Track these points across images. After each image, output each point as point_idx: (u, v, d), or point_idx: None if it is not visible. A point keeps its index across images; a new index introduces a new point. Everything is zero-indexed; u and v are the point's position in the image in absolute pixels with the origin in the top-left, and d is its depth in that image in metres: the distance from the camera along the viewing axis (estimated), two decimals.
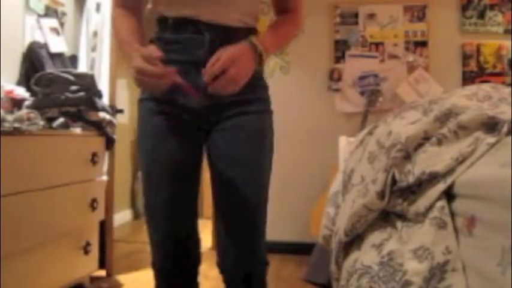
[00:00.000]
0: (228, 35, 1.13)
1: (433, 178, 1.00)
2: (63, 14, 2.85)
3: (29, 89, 2.35)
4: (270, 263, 1.24)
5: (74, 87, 2.34)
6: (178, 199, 1.18)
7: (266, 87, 1.25)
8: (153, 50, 1.02)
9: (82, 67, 2.82)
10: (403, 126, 1.21)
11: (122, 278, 2.66)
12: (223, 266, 1.23)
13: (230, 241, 1.19)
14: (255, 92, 1.19)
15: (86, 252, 2.31)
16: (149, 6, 1.23)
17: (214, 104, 1.14)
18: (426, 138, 1.09)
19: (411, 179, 1.05)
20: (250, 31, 1.19)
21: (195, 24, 1.13)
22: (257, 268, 1.21)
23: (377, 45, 3.26)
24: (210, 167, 1.23)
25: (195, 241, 1.24)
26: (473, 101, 1.33)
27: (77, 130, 2.28)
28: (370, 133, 1.43)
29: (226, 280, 1.25)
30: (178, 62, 1.10)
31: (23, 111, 2.02)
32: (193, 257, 1.23)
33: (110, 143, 2.53)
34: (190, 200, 1.21)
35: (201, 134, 1.20)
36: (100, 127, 2.41)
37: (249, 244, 1.19)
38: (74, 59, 2.84)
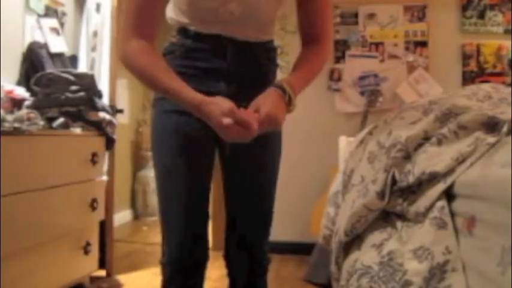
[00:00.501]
0: (248, 48, 1.19)
1: (433, 178, 1.00)
2: (63, 14, 2.85)
3: (29, 89, 2.35)
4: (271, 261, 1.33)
5: (74, 87, 2.34)
6: (195, 196, 1.22)
7: None
8: (228, 105, 1.00)
9: (82, 67, 2.82)
10: (403, 126, 1.21)
11: (122, 278, 2.66)
12: (232, 260, 1.30)
13: (242, 236, 1.27)
14: None
15: (86, 252, 2.31)
16: (170, 14, 1.23)
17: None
18: (426, 138, 1.09)
19: (411, 179, 1.05)
20: (268, 44, 1.26)
21: (217, 38, 1.17)
22: (264, 263, 1.30)
23: (377, 45, 3.26)
24: (223, 167, 1.28)
25: (206, 237, 1.27)
26: (473, 101, 1.33)
27: (77, 130, 2.28)
28: (370, 133, 1.43)
29: (233, 274, 1.31)
30: (200, 68, 1.16)
31: (23, 111, 2.03)
32: (203, 254, 1.25)
33: (110, 143, 2.53)
34: (205, 197, 1.24)
35: (214, 137, 1.21)
36: (100, 127, 2.41)
37: (260, 240, 1.29)
38: (74, 59, 2.84)
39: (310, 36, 1.25)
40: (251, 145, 1.20)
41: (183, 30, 1.20)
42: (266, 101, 1.06)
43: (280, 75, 1.29)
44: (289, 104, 1.10)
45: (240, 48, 1.19)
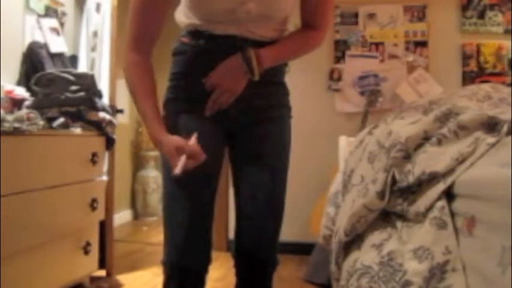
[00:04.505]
0: (262, 47, 1.20)
1: (433, 178, 1.00)
2: (63, 14, 2.85)
3: (29, 89, 2.35)
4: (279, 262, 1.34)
5: (74, 87, 2.34)
6: (202, 197, 1.23)
7: (288, 94, 1.35)
8: (197, 151, 1.09)
9: (82, 67, 2.82)
10: (403, 126, 1.21)
11: (122, 278, 2.66)
12: (242, 259, 1.30)
13: (255, 235, 1.28)
14: (278, 98, 1.31)
15: (86, 252, 2.31)
16: (180, 18, 1.23)
17: (243, 107, 1.22)
18: (426, 138, 1.09)
19: (411, 179, 1.05)
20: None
21: (231, 38, 1.19)
22: (273, 262, 1.31)
23: (377, 45, 3.26)
24: (234, 167, 1.30)
25: (210, 240, 1.27)
26: (473, 101, 1.33)
27: (77, 130, 2.28)
28: (370, 133, 1.43)
29: (242, 273, 1.31)
30: (213, 68, 1.18)
31: (23, 111, 2.02)
32: (205, 256, 1.25)
33: (110, 143, 2.53)
34: (211, 197, 1.26)
35: (225, 135, 1.25)
36: (100, 127, 2.41)
37: (272, 239, 1.29)
38: (74, 59, 2.84)
39: (309, 23, 1.30)
40: (261, 141, 1.22)
41: (195, 32, 1.21)
42: (218, 70, 1.16)
43: (287, 73, 1.34)
44: (251, 72, 1.16)
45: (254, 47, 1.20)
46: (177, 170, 1.07)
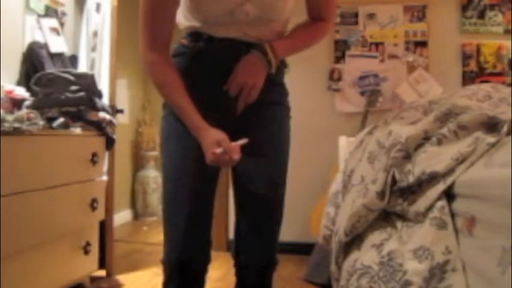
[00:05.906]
0: None
1: (433, 178, 1.00)
2: (63, 14, 2.85)
3: (29, 89, 2.35)
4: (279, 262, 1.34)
5: (74, 87, 2.34)
6: (202, 197, 1.24)
7: (287, 94, 1.37)
8: (234, 148, 1.11)
9: (82, 67, 2.82)
10: (403, 126, 1.21)
11: (122, 278, 2.66)
12: (242, 258, 1.31)
13: (254, 234, 1.29)
14: (278, 98, 1.33)
15: (86, 252, 2.31)
16: (180, 20, 1.24)
17: (244, 107, 1.22)
18: (426, 138, 1.09)
19: (411, 179, 1.05)
20: None
21: (231, 40, 1.20)
22: (273, 261, 1.32)
23: (377, 45, 3.26)
24: (234, 167, 1.29)
25: (209, 239, 1.27)
26: (473, 101, 1.33)
27: (77, 130, 2.28)
28: (370, 133, 1.43)
29: (242, 273, 1.32)
30: (212, 70, 1.20)
31: (23, 111, 2.02)
32: (204, 255, 1.26)
33: (110, 143, 2.53)
34: (210, 198, 1.26)
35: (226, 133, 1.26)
36: (100, 127, 2.41)
37: (271, 238, 1.31)
38: (74, 59, 2.84)
39: (315, 15, 1.33)
40: (261, 142, 1.23)
41: (194, 34, 1.21)
42: (239, 70, 1.18)
43: (286, 73, 1.34)
44: (269, 65, 1.19)
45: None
46: (218, 150, 1.10)
